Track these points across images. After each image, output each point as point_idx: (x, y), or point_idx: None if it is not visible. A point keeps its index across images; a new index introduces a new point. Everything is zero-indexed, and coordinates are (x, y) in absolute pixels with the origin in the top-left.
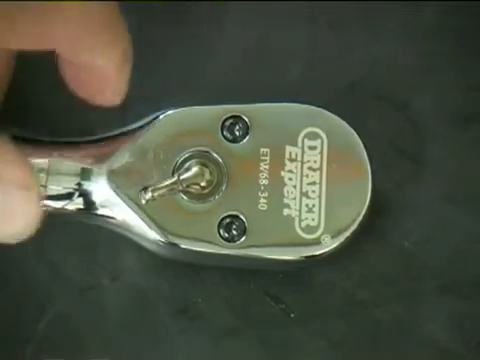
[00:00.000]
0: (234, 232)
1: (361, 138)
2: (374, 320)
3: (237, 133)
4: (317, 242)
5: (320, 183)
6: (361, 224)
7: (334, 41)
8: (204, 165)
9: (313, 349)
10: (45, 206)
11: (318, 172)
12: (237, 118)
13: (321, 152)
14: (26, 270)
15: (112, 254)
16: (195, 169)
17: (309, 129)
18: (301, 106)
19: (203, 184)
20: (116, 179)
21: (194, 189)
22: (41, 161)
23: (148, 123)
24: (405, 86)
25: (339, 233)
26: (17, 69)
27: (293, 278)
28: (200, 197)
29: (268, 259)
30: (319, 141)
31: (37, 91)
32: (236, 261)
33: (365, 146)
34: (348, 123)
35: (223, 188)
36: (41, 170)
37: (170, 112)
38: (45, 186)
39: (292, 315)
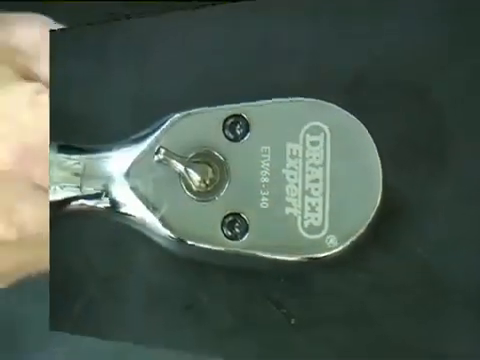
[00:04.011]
0: (237, 230)
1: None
2: (380, 334)
3: (238, 132)
4: (321, 243)
5: (324, 180)
6: (370, 227)
7: (337, 33)
8: (207, 164)
9: (312, 356)
10: (82, 205)
11: (321, 169)
12: (238, 117)
13: (324, 147)
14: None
15: (124, 250)
16: (198, 167)
17: (311, 123)
18: (302, 100)
19: (206, 182)
20: (134, 180)
21: (197, 187)
22: (77, 167)
23: (156, 128)
24: (422, 75)
25: (345, 235)
26: None
27: (296, 283)
28: (203, 195)
29: (270, 259)
30: (322, 135)
31: None
32: (239, 259)
33: (375, 142)
34: (357, 117)
35: (225, 187)
36: (76, 174)
37: (176, 116)
38: (80, 187)
39: (292, 321)
